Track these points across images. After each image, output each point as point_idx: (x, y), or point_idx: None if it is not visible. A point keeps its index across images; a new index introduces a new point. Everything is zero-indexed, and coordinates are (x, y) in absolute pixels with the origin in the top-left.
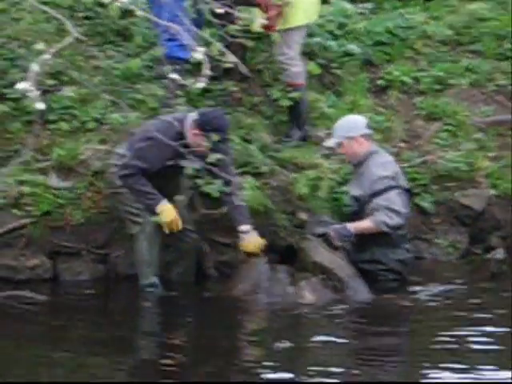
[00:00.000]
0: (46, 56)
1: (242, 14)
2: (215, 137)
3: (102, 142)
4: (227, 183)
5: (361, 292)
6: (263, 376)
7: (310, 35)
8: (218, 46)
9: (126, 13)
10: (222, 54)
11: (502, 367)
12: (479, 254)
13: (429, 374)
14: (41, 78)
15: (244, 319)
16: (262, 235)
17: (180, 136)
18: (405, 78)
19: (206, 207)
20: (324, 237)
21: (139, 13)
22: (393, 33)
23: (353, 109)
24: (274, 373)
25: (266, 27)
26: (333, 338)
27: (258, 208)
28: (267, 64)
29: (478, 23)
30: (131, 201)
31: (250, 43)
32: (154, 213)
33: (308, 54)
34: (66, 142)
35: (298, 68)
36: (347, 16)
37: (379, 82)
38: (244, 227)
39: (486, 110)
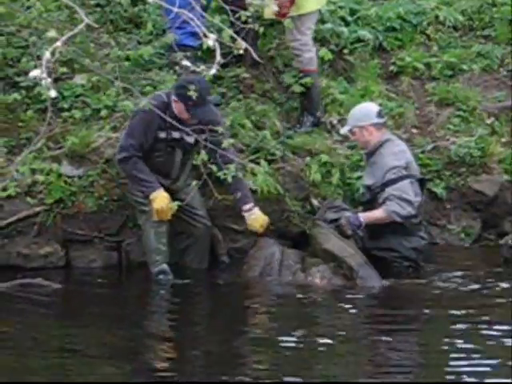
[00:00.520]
0: (58, 44)
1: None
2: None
3: (115, 129)
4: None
5: (372, 280)
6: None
7: (322, 21)
8: (229, 32)
9: (137, 0)
10: (233, 40)
11: None
12: (492, 239)
13: (445, 362)
14: (53, 65)
15: (254, 306)
16: (274, 221)
17: (166, 107)
18: (417, 64)
19: (218, 193)
20: (336, 223)
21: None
22: (404, 18)
23: (365, 95)
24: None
25: (278, 14)
26: (344, 323)
27: (271, 194)
28: (279, 50)
29: (489, 8)
30: (136, 190)
31: (261, 29)
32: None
33: (320, 41)
34: (79, 130)
35: (310, 54)
36: (359, 2)
37: (391, 67)
38: (247, 206)
39: (499, 96)
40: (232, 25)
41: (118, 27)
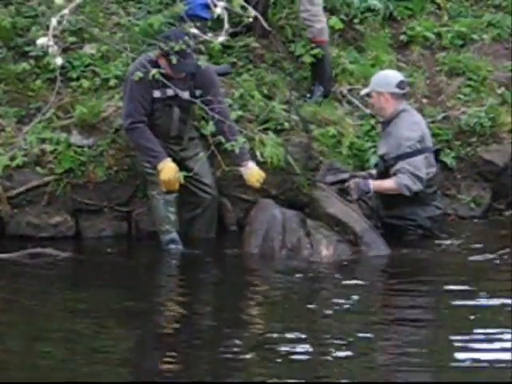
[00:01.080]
0: (65, 11)
1: None
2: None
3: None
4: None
5: (377, 246)
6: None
7: None
8: (239, 0)
9: None
10: (244, 9)
11: None
12: (502, 209)
13: (454, 338)
14: (62, 35)
15: (259, 280)
16: (283, 191)
17: (155, 65)
18: (427, 34)
19: (226, 163)
20: (339, 184)
21: None
22: None
23: (375, 64)
24: (292, 333)
25: None
26: (353, 298)
27: (280, 164)
28: (289, 20)
29: None
30: (144, 161)
31: None
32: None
33: (330, 10)
34: (88, 100)
35: (321, 24)
36: None
37: (401, 37)
38: (243, 162)
39: (509, 65)
40: None
41: None
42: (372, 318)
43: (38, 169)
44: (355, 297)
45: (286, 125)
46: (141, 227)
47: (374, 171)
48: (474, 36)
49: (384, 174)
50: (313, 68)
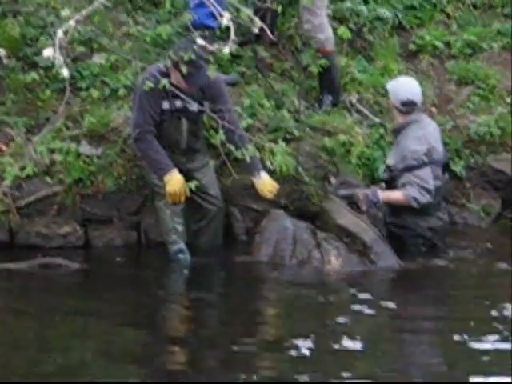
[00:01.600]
0: (71, 22)
1: None
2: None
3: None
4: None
5: (386, 257)
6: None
7: (341, 0)
8: (247, 11)
9: None
10: (251, 19)
11: None
12: (511, 218)
13: (468, 343)
14: (70, 45)
15: (269, 289)
16: (293, 200)
17: (165, 75)
18: (436, 43)
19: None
20: (349, 199)
21: None
22: None
23: (384, 74)
24: (301, 340)
25: None
26: (363, 311)
27: (289, 173)
28: (297, 29)
29: None
30: (151, 172)
31: (279, 8)
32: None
33: (339, 19)
34: (97, 110)
35: (324, 34)
36: None
37: (410, 46)
38: (255, 172)
39: None
40: (251, 4)
41: (137, 6)
42: (381, 327)
43: (48, 179)
44: (363, 307)
45: (296, 133)
46: (150, 237)
47: (384, 185)
48: (483, 45)
49: (389, 183)
50: (320, 78)
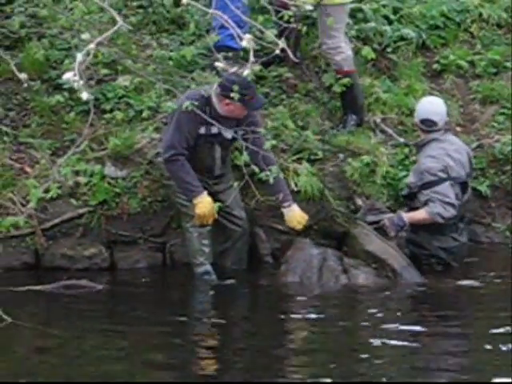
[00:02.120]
0: (92, 45)
1: None
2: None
3: (158, 130)
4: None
5: (415, 284)
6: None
7: (365, 20)
8: (270, 33)
9: (180, 0)
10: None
11: None
12: None
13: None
14: (95, 67)
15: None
16: (318, 221)
17: (206, 101)
18: (460, 62)
19: (260, 193)
20: (377, 224)
21: (184, 0)
22: (448, 16)
23: (408, 93)
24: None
25: None
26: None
27: (314, 194)
28: (322, 51)
29: None
30: (179, 192)
31: (304, 28)
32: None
33: (363, 39)
34: (122, 131)
35: (341, 56)
36: (402, 0)
37: (434, 66)
38: (286, 203)
39: None
40: (276, 24)
41: (161, 28)
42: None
43: (73, 201)
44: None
45: (320, 154)
46: (175, 258)
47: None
48: (508, 64)
49: (410, 199)
50: (343, 98)
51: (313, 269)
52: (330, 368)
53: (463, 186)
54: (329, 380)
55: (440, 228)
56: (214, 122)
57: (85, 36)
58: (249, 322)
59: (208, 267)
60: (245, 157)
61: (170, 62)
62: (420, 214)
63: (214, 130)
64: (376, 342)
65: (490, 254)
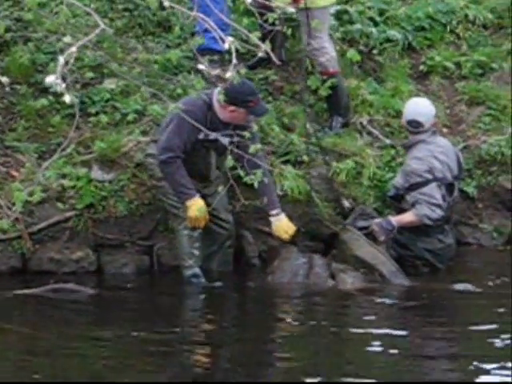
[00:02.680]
0: (73, 49)
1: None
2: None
3: (144, 133)
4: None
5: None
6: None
7: (351, 22)
8: (254, 37)
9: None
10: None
11: None
12: None
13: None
14: (80, 70)
15: (284, 308)
16: (304, 223)
17: (208, 108)
18: (446, 63)
19: (246, 196)
20: (366, 230)
21: (166, 3)
22: (433, 18)
23: (394, 95)
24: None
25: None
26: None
27: (301, 197)
28: (307, 52)
29: None
30: (172, 194)
31: (289, 31)
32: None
33: (349, 41)
34: (108, 135)
35: (325, 57)
36: (387, 2)
37: (421, 67)
38: (274, 211)
39: None
40: (260, 27)
41: (147, 31)
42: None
43: (59, 204)
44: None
45: (306, 157)
46: (163, 261)
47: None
48: (494, 65)
49: (394, 199)
50: (328, 100)
51: (298, 277)
52: (318, 370)
53: (449, 187)
54: (320, 379)
55: (425, 229)
56: (213, 127)
57: (67, 39)
58: (238, 326)
59: (197, 270)
60: (229, 161)
61: (156, 66)
62: (408, 217)
63: (212, 135)
64: (364, 345)
65: (478, 256)
